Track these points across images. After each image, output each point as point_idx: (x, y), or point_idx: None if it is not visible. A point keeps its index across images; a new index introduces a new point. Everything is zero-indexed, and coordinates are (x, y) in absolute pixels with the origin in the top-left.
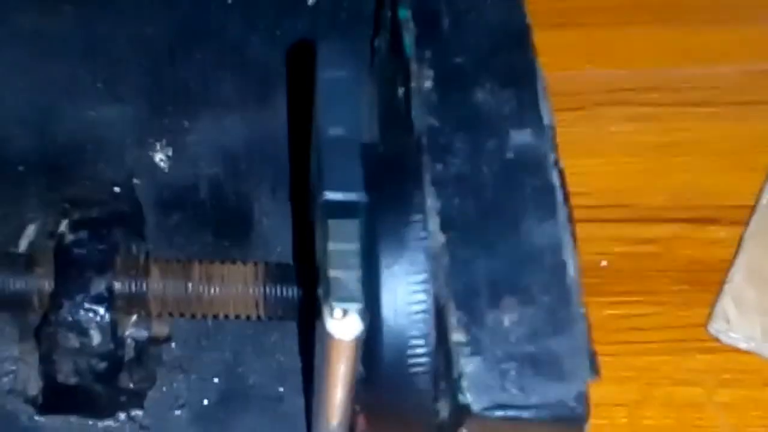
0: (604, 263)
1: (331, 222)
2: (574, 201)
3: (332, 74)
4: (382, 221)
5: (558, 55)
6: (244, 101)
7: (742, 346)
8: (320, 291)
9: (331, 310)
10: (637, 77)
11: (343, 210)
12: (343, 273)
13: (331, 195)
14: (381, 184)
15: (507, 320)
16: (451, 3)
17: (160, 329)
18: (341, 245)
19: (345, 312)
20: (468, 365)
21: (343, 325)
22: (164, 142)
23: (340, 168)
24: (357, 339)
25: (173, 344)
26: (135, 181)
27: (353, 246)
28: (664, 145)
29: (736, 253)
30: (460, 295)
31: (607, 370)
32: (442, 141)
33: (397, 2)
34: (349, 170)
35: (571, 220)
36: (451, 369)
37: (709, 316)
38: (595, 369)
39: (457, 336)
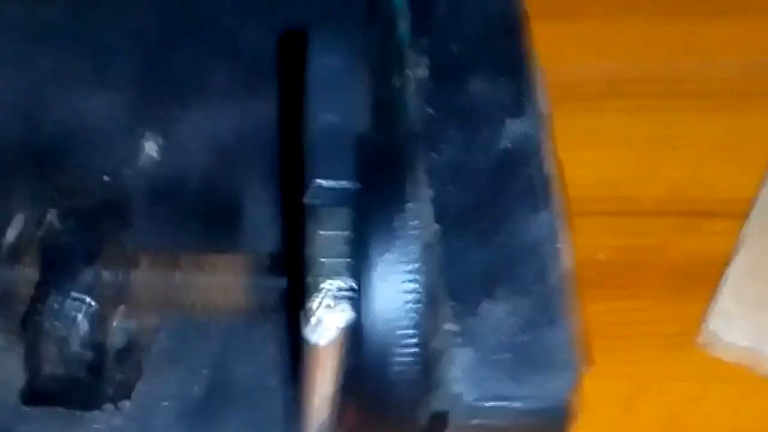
0: (600, 257)
1: (321, 209)
2: (571, 193)
3: (325, 61)
4: (375, 210)
5: (556, 47)
6: (236, 91)
7: (742, 344)
8: (310, 279)
9: (322, 297)
10: (636, 69)
11: (333, 197)
12: (334, 260)
13: (322, 182)
14: (374, 173)
15: (500, 310)
16: None
17: (149, 320)
18: (331, 232)
19: (336, 299)
20: (461, 355)
21: (334, 312)
22: (155, 131)
23: (331, 155)
24: (348, 326)
25: (162, 335)
26: (125, 170)
27: (344, 234)
28: (662, 138)
29: (735, 250)
30: (454, 285)
31: (602, 364)
32: (437, 129)
33: None
34: (340, 158)
35: (566, 210)
36: (443, 359)
37: (707, 311)
38: (588, 360)
39: (449, 326)
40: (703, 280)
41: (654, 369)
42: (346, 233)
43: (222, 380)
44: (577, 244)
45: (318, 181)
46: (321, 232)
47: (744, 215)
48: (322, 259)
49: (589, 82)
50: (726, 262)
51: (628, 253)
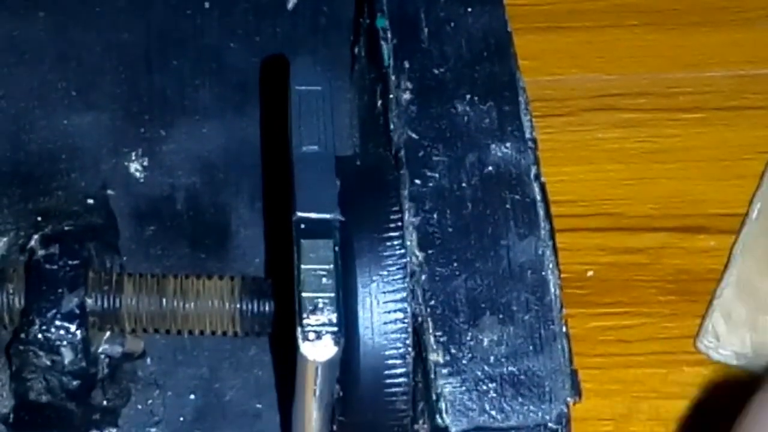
0: (590, 273)
1: (304, 242)
2: (560, 209)
3: (305, 89)
4: (359, 238)
5: (544, 60)
6: (222, 109)
7: (732, 362)
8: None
9: (305, 332)
10: (625, 82)
11: (316, 229)
12: (317, 295)
13: (304, 214)
14: (358, 199)
15: (486, 340)
16: (431, 12)
17: (135, 345)
18: (314, 266)
19: (318, 334)
20: (446, 386)
21: (316, 347)
22: (140, 151)
23: (313, 186)
24: (331, 361)
25: (148, 360)
26: (109, 192)
27: (327, 267)
28: (651, 152)
29: (726, 266)
30: (439, 313)
31: (593, 383)
32: (421, 155)
33: (374, 10)
34: (322, 188)
35: (552, 235)
36: (429, 389)
37: (698, 327)
38: (576, 389)
39: (434, 356)
40: (693, 296)
41: (644, 387)
42: (330, 266)
43: (210, 405)
44: (567, 261)
45: (300, 213)
46: (303, 266)
47: (734, 231)
48: (305, 294)
49: (578, 95)
50: (716, 279)
51: (618, 269)
